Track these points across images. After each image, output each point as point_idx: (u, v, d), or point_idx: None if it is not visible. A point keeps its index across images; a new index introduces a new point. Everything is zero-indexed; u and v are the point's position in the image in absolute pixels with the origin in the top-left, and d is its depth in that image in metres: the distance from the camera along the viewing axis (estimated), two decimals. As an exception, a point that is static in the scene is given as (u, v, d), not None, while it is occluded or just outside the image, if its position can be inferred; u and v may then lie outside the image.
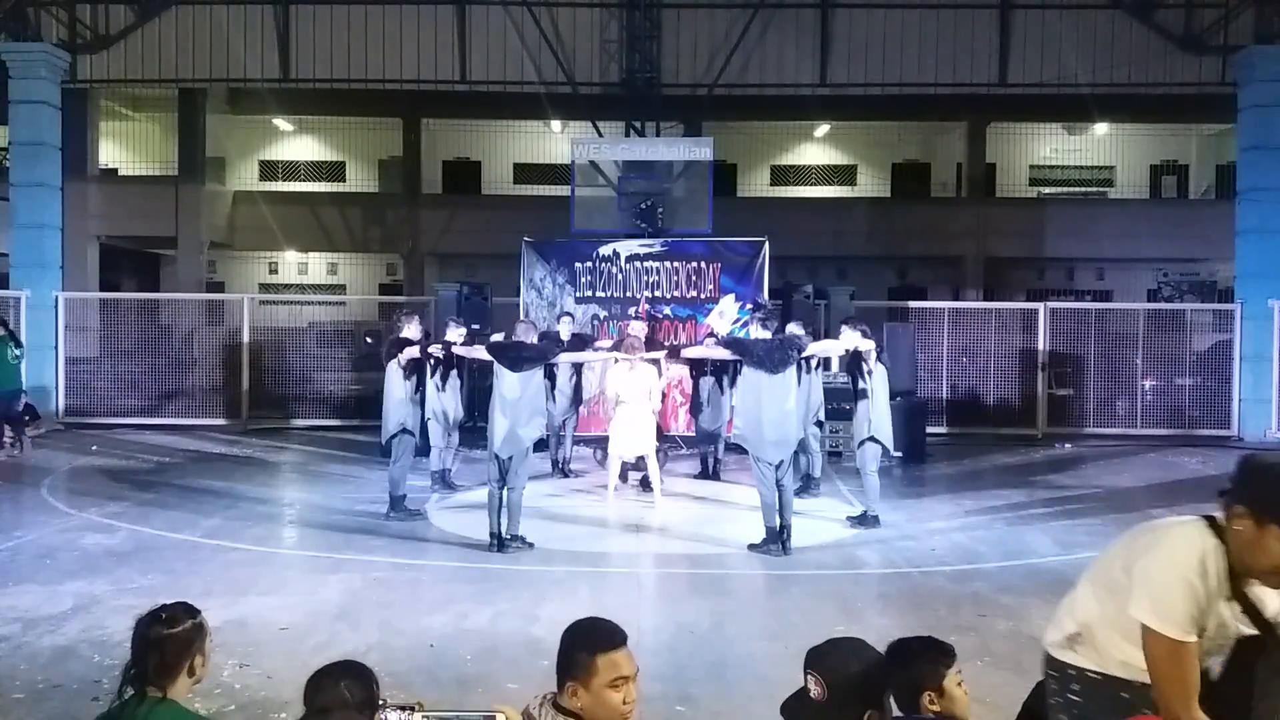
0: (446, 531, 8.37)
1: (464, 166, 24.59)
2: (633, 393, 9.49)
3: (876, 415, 8.49)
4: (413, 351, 8.75)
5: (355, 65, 15.84)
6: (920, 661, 2.61)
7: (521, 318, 9.44)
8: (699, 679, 5.06)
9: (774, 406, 7.61)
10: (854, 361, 8.65)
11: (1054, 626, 2.65)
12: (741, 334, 10.19)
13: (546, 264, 13.33)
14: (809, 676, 2.33)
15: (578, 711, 2.36)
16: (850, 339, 8.56)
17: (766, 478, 7.64)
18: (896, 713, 2.57)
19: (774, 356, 7.70)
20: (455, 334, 9.59)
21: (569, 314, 11.77)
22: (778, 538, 7.62)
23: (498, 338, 9.35)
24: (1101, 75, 15.53)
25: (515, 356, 7.84)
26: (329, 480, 10.80)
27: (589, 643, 2.39)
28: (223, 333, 15.83)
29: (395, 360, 8.70)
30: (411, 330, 8.96)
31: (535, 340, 8.27)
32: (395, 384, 8.70)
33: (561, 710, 2.38)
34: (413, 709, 2.33)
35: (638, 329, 10.60)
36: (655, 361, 10.01)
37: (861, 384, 8.52)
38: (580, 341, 11.03)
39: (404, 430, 8.70)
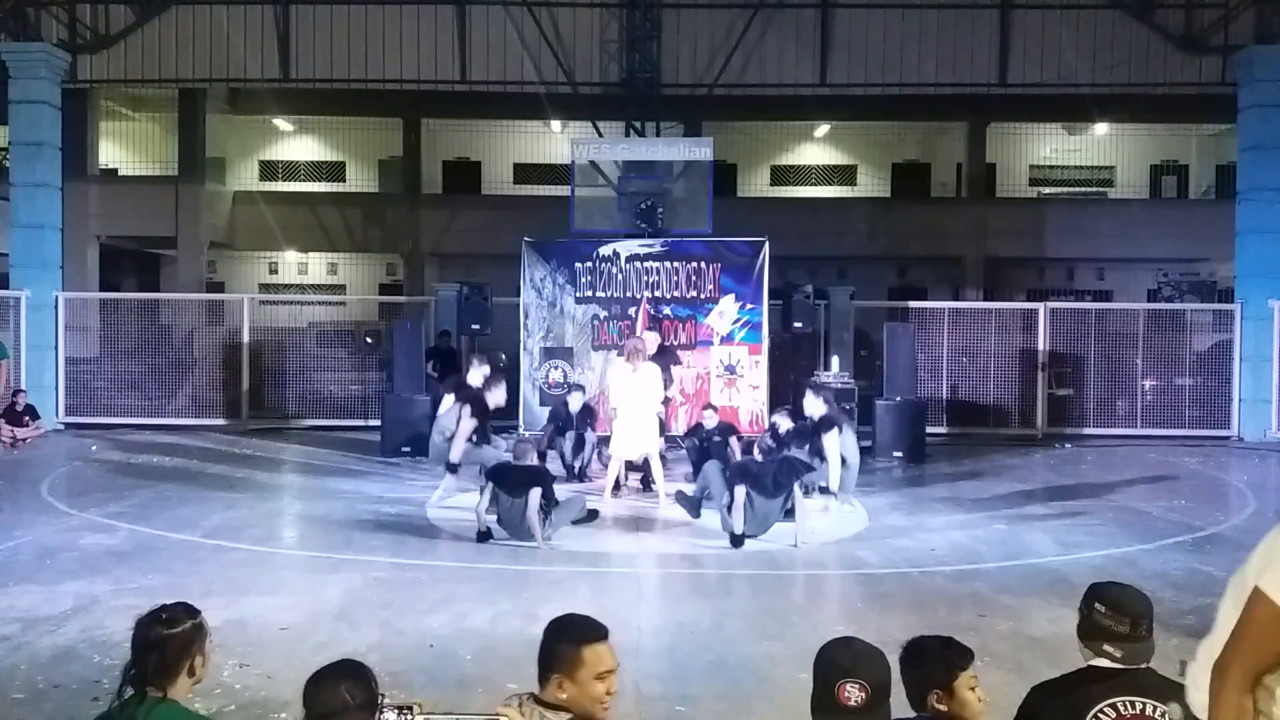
0: (447, 531, 8.37)
1: (464, 166, 24.60)
2: (635, 395, 9.49)
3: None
4: (463, 434, 9.11)
5: (355, 65, 15.84)
6: (935, 662, 2.62)
7: (521, 439, 9.60)
8: (699, 679, 5.06)
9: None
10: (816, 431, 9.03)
11: (1194, 688, 2.28)
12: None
13: (546, 264, 13.33)
14: (850, 685, 2.34)
15: (563, 704, 2.40)
16: (814, 407, 9.13)
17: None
18: (910, 712, 2.59)
19: (769, 481, 7.84)
20: (478, 374, 9.70)
21: (579, 388, 11.56)
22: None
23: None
24: (1101, 75, 15.51)
25: (512, 483, 7.77)
26: (329, 480, 10.79)
27: (574, 635, 2.47)
28: (223, 333, 15.83)
29: (462, 406, 9.17)
30: (477, 377, 9.53)
31: (533, 460, 8.39)
32: (456, 424, 9.16)
33: (546, 705, 2.41)
34: (411, 709, 2.33)
35: (651, 339, 10.66)
36: (668, 365, 10.05)
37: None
38: (589, 414, 11.05)
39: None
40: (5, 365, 13.41)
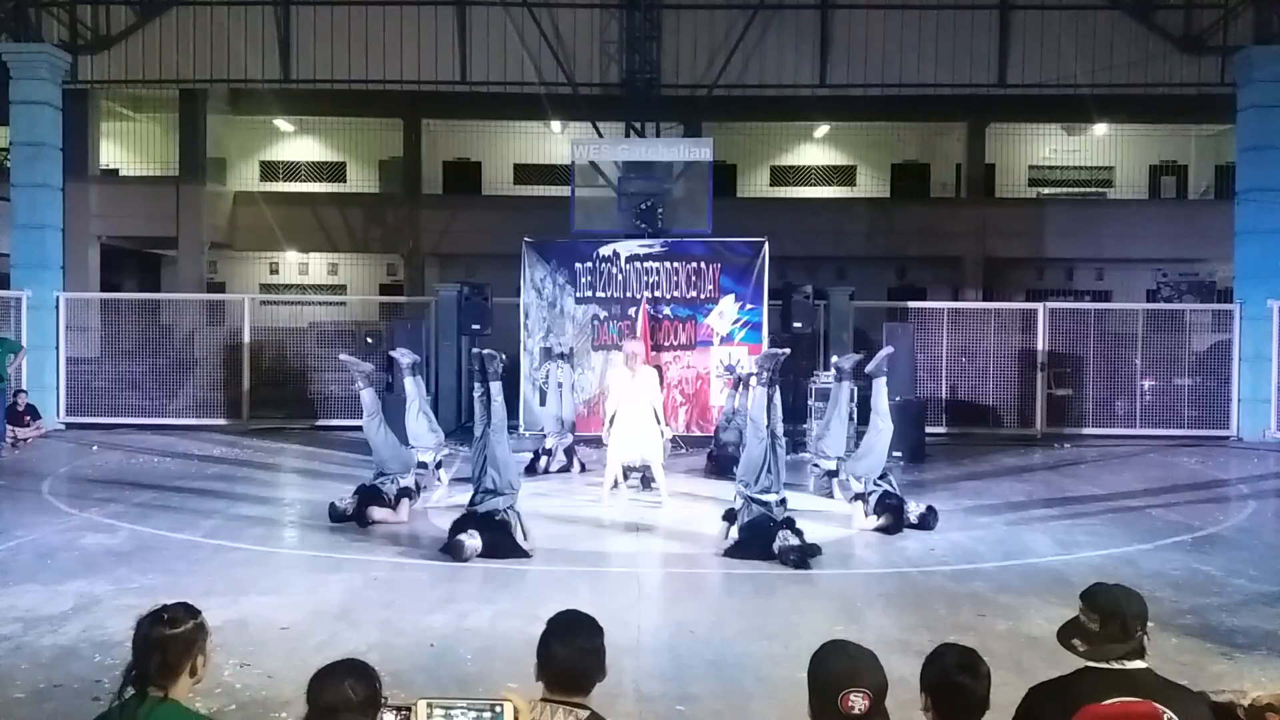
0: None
1: (464, 167, 24.60)
2: (634, 399, 9.50)
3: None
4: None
5: (355, 65, 15.86)
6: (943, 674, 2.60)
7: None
8: (699, 678, 5.07)
9: None
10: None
11: None
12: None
13: (547, 264, 13.35)
14: (855, 695, 2.33)
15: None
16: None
17: None
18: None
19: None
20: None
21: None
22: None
23: None
24: (1101, 76, 15.54)
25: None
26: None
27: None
28: (223, 333, 15.83)
29: None
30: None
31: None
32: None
33: (563, 702, 2.52)
34: (409, 710, 2.35)
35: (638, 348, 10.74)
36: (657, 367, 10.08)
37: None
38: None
39: None
40: (22, 355, 13.88)
